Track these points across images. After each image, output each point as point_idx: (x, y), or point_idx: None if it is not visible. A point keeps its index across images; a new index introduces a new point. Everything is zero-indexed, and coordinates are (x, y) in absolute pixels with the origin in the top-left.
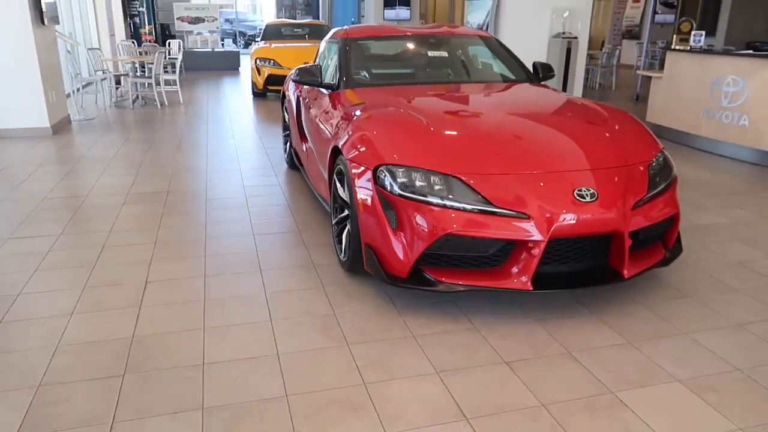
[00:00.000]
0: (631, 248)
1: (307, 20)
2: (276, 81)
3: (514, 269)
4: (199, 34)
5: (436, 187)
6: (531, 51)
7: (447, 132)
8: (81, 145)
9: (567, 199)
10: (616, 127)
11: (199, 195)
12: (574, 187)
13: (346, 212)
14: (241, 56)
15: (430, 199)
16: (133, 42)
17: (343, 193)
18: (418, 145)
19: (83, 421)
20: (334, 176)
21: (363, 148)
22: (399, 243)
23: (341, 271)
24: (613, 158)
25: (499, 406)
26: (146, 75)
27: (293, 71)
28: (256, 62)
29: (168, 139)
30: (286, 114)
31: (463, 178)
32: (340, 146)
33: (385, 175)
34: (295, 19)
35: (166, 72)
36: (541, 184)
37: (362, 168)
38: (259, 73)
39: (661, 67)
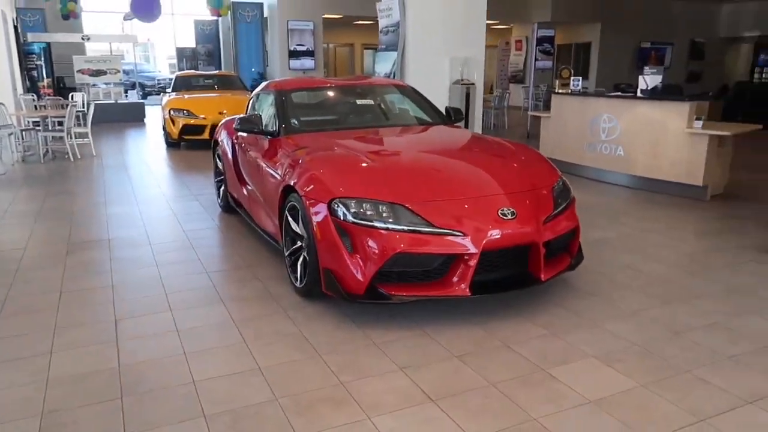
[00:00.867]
0: (545, 256)
1: (217, 71)
2: (191, 130)
3: (455, 279)
4: (98, 86)
5: (384, 214)
6: (435, 96)
7: (387, 167)
8: (0, 200)
9: (492, 217)
10: (523, 158)
11: (142, 240)
12: (497, 207)
13: (299, 244)
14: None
15: (379, 224)
16: (33, 96)
17: (296, 227)
18: (364, 179)
19: None
20: (286, 212)
21: (317, 185)
22: (355, 265)
23: (298, 298)
24: (524, 183)
25: (456, 389)
26: (50, 128)
27: (232, 119)
28: (169, 113)
29: (92, 191)
30: (219, 161)
31: (406, 204)
32: (293, 185)
33: (339, 207)
34: (197, 69)
35: (77, 125)
36: (470, 206)
37: (318, 202)
38: (174, 124)
39: (547, 107)
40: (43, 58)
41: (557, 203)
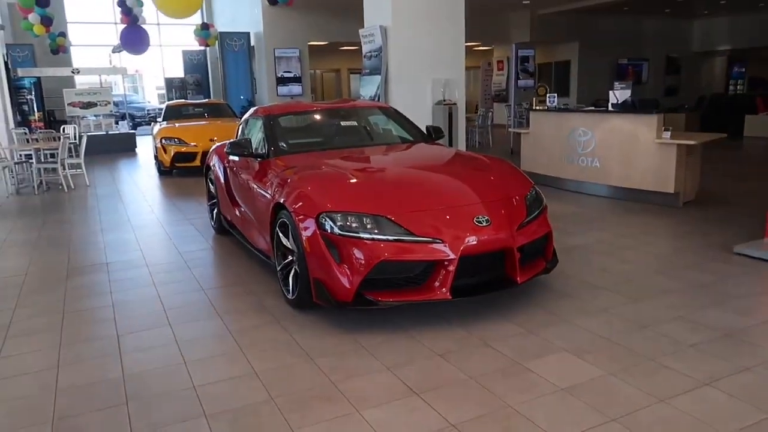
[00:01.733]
0: (520, 260)
1: (206, 100)
2: (183, 158)
3: (436, 284)
4: (88, 117)
5: (368, 226)
6: (418, 117)
7: (370, 182)
8: None
9: (469, 225)
10: (497, 170)
11: (139, 263)
12: (472, 216)
13: (290, 258)
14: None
15: (364, 235)
16: (24, 130)
17: (286, 242)
18: (349, 194)
19: None
20: (277, 229)
21: (305, 201)
22: (343, 274)
23: (290, 309)
24: (498, 193)
25: (439, 383)
26: (43, 160)
27: (223, 144)
28: (161, 141)
29: (88, 219)
30: (211, 185)
31: (388, 216)
32: (282, 202)
33: (326, 221)
34: (187, 98)
35: (69, 156)
36: (448, 216)
37: (306, 217)
38: (165, 152)
39: (527, 124)
40: (33, 93)
41: (530, 211)
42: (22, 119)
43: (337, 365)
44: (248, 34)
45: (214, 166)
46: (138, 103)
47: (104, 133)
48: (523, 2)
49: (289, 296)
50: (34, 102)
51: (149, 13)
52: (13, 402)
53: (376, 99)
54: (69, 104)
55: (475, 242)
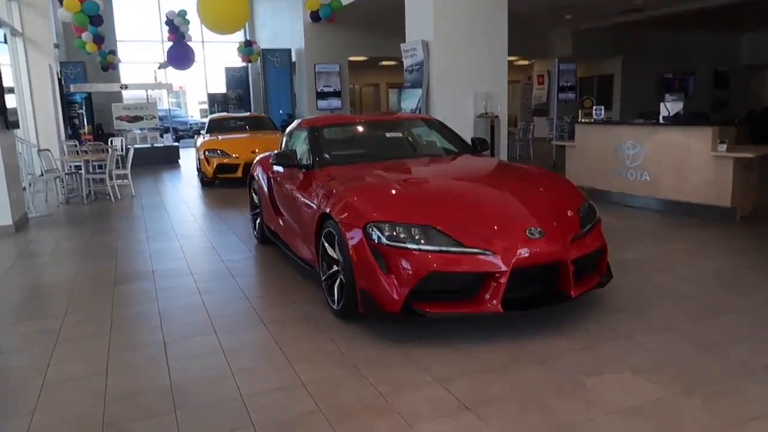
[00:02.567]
0: (574, 274)
1: (248, 113)
2: (226, 169)
3: (487, 296)
4: (134, 131)
5: (416, 236)
6: (460, 129)
7: (417, 193)
8: (49, 239)
9: (521, 237)
10: (548, 182)
11: (184, 271)
12: (524, 227)
13: (335, 268)
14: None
15: (411, 245)
16: (75, 142)
17: (332, 252)
18: (396, 204)
19: None
20: (323, 239)
21: (351, 211)
22: (390, 284)
23: (335, 319)
24: (549, 205)
25: (492, 398)
26: (92, 171)
27: (267, 156)
28: (204, 153)
29: (134, 228)
30: (254, 195)
31: (436, 226)
32: (329, 212)
33: (373, 230)
34: (229, 112)
35: (116, 168)
36: (498, 227)
37: (353, 227)
38: (209, 163)
39: (571, 137)
40: (84, 107)
41: (584, 223)
42: (73, 132)
43: (385, 377)
44: (289, 50)
45: (258, 176)
46: (181, 117)
47: (149, 145)
48: (566, 17)
49: (335, 306)
50: (85, 116)
51: (195, 31)
52: (64, 408)
53: (417, 112)
54: (117, 118)
55: (527, 254)
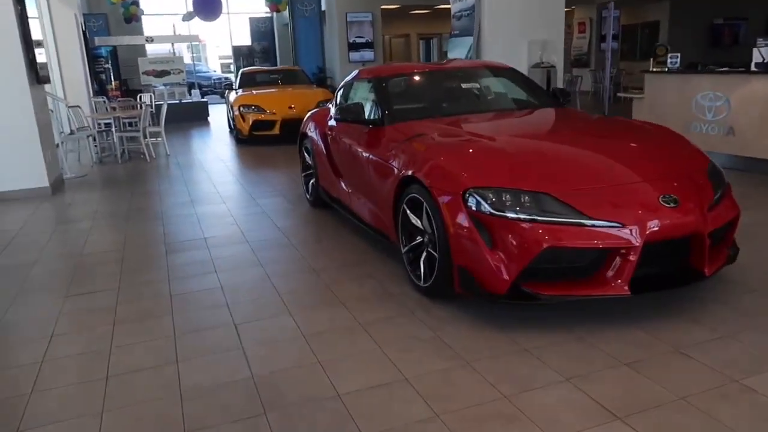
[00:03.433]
0: (708, 248)
1: (282, 66)
2: (262, 126)
3: (610, 275)
4: (160, 86)
5: (527, 204)
6: None
7: (520, 153)
8: (87, 202)
9: (654, 205)
10: (666, 140)
11: (238, 238)
12: (657, 194)
13: (420, 239)
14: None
15: (524, 216)
16: (103, 99)
17: (416, 221)
18: (499, 166)
19: None
20: (404, 206)
21: (446, 175)
22: (497, 261)
23: (421, 297)
24: (678, 167)
25: (642, 403)
26: (123, 129)
27: (320, 111)
28: (239, 109)
29: (175, 190)
30: (307, 155)
31: (552, 193)
32: (414, 175)
33: (475, 198)
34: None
35: (149, 125)
36: (625, 193)
37: (449, 194)
38: (244, 120)
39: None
40: (110, 62)
41: (715, 189)
42: (100, 88)
43: (502, 373)
44: None
45: (311, 134)
46: (204, 72)
47: (177, 101)
48: None
49: (421, 283)
50: (111, 71)
51: None
52: (138, 407)
53: None
54: (143, 73)
55: (661, 226)
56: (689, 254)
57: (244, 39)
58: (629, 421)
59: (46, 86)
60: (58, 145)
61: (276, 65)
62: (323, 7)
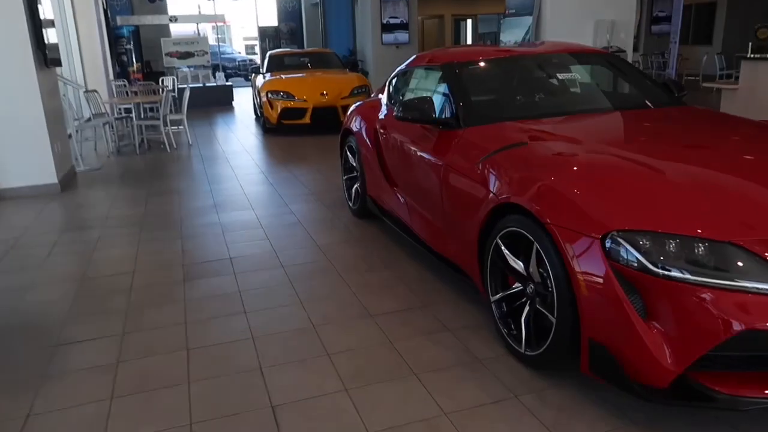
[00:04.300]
0: None
1: (312, 49)
2: (292, 114)
3: None
4: (184, 69)
5: (707, 260)
6: None
7: (679, 177)
8: (99, 202)
9: None
10: None
11: (270, 260)
12: None
13: (518, 287)
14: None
15: (704, 278)
16: (124, 82)
17: (517, 264)
18: (656, 198)
19: None
20: (497, 240)
21: (572, 207)
22: (656, 340)
23: (523, 369)
24: None
25: None
26: (145, 116)
27: (369, 103)
28: (267, 95)
29: (198, 190)
30: (350, 156)
31: (744, 244)
32: (519, 203)
33: (623, 246)
34: (281, 48)
35: (170, 112)
36: None
37: (579, 233)
38: (272, 108)
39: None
40: (132, 42)
41: None
42: (122, 71)
43: None
44: None
45: (357, 131)
46: (228, 53)
47: (201, 85)
48: None
49: (522, 349)
50: (133, 52)
51: None
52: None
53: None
54: (166, 54)
55: None
56: None
57: (271, 19)
58: None
59: (59, 70)
60: (70, 135)
61: (303, 47)
62: None
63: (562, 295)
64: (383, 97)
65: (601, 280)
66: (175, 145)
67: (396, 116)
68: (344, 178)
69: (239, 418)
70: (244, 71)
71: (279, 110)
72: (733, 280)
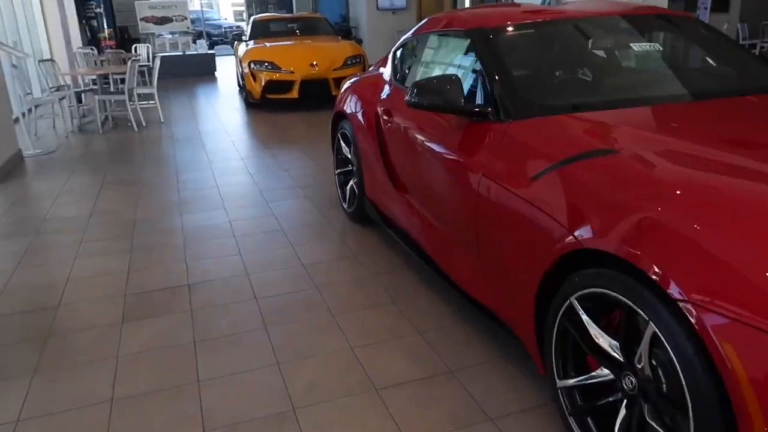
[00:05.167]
0: None
1: (301, 14)
2: (277, 88)
3: None
4: (163, 36)
5: None
6: None
7: None
8: (40, 198)
9: None
10: None
11: (240, 288)
12: None
13: (607, 375)
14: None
15: None
16: (91, 49)
17: (609, 341)
18: None
19: None
20: (573, 301)
21: (711, 263)
22: None
23: None
24: None
25: None
26: (112, 89)
27: (369, 79)
28: (249, 66)
29: (161, 180)
30: (345, 146)
31: None
32: (620, 254)
33: None
34: (268, 12)
35: (141, 83)
36: None
37: (725, 310)
38: (255, 80)
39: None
40: (102, 5)
41: None
42: (92, 37)
43: None
44: None
45: (353, 115)
46: (214, 19)
47: (181, 53)
48: None
49: None
50: (104, 17)
51: None
52: None
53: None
54: (142, 19)
55: None
56: None
57: None
58: None
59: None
60: (24, 115)
61: (292, 12)
62: None
63: (705, 418)
64: (385, 72)
65: None
66: (144, 123)
67: (408, 102)
68: (337, 172)
69: None
70: (230, 39)
71: (263, 83)
72: None
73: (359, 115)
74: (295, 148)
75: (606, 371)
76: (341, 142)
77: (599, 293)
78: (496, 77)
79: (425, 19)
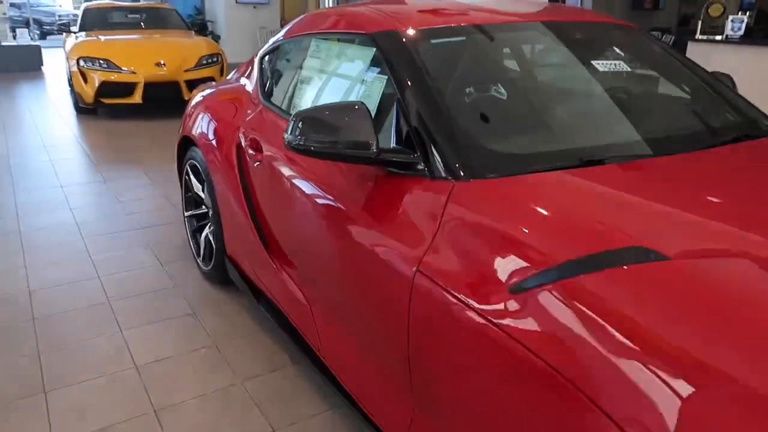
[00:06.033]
0: None
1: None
2: (114, 91)
3: None
4: None
5: None
6: None
7: None
8: None
9: None
10: None
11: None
12: None
13: None
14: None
15: None
16: None
17: None
18: None
19: None
20: None
21: None
22: None
23: None
24: None
25: None
26: None
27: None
28: (78, 64)
29: None
30: (194, 180)
31: None
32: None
33: None
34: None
35: None
36: None
37: None
38: (86, 80)
39: None
40: None
41: None
42: None
43: None
44: None
45: (206, 142)
46: (45, 5)
47: None
48: None
49: None
50: None
51: None
52: None
53: None
54: None
55: None
56: None
57: None
58: None
59: None
60: None
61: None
62: None
63: None
64: (249, 84)
65: None
66: None
67: (289, 143)
68: (187, 215)
69: None
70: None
71: (97, 85)
72: None
73: (214, 143)
74: (135, 171)
75: None
76: (191, 175)
77: None
78: (427, 107)
79: (302, 17)
